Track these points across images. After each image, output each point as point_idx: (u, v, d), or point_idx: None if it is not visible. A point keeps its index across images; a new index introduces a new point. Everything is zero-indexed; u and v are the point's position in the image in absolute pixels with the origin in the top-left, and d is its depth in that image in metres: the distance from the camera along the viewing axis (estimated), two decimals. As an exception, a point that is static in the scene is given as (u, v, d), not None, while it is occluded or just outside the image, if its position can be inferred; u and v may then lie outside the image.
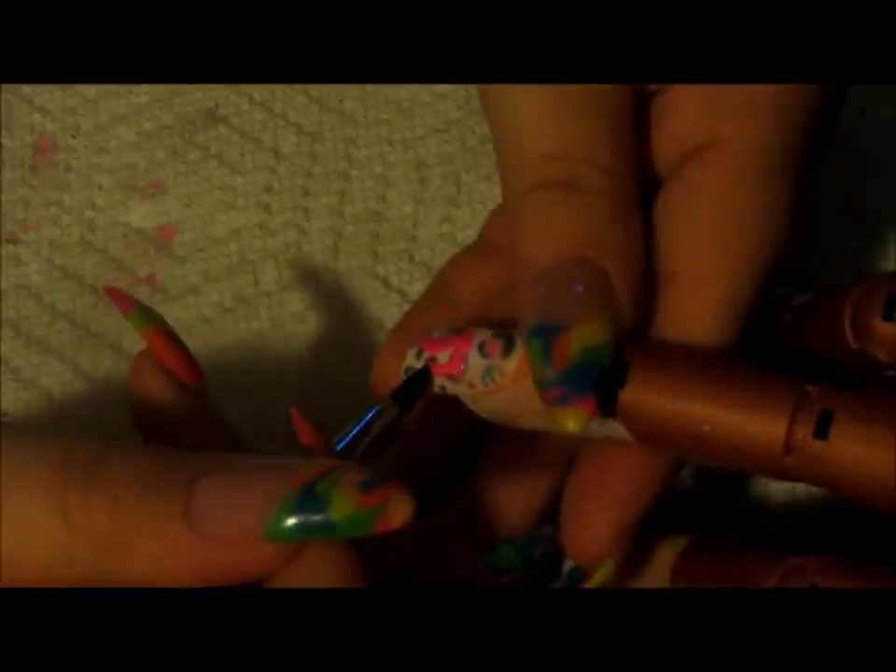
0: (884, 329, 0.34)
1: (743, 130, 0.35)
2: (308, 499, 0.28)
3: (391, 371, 0.37)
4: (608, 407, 0.33)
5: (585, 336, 0.32)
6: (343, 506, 0.28)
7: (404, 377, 0.36)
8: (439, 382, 0.35)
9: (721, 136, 0.35)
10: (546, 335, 0.32)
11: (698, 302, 0.35)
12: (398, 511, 0.28)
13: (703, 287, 0.35)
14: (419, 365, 0.35)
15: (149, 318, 0.35)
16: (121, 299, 0.35)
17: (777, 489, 0.42)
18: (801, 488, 0.41)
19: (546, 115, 0.34)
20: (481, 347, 0.35)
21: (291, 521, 0.28)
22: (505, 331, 0.35)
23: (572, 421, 0.32)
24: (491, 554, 0.37)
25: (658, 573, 0.37)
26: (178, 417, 0.33)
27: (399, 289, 0.46)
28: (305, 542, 0.29)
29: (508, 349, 0.34)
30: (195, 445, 0.31)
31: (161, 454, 0.30)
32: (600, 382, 0.32)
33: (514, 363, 0.34)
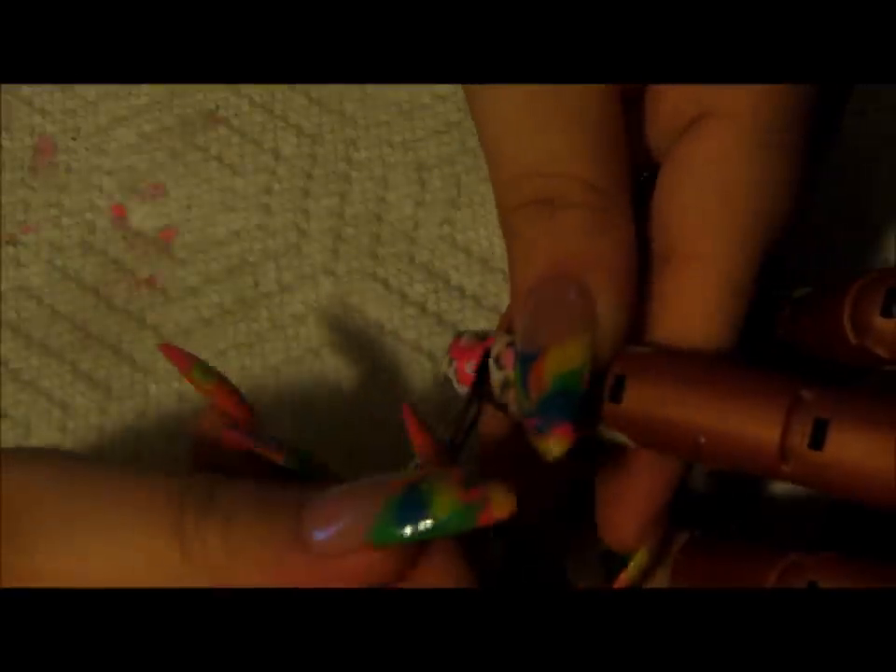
0: (883, 324, 0.34)
1: (735, 101, 0.35)
2: (411, 499, 0.29)
3: None
4: (593, 424, 0.33)
5: (557, 363, 0.32)
6: (445, 502, 0.29)
7: (444, 384, 0.36)
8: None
9: (713, 109, 0.35)
10: (524, 363, 0.33)
11: (699, 279, 0.34)
12: (500, 503, 0.29)
13: (703, 262, 0.34)
14: (450, 373, 0.35)
15: (210, 374, 0.35)
16: (179, 357, 0.35)
17: (778, 486, 0.42)
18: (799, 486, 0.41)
19: (526, 128, 0.34)
20: (497, 359, 0.34)
21: (394, 522, 0.29)
22: None
23: (552, 448, 0.32)
24: None
25: (658, 569, 0.37)
26: (240, 462, 0.34)
27: (399, 291, 0.45)
28: (417, 550, 0.30)
29: None
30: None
31: (269, 484, 0.31)
32: (575, 407, 0.32)
33: None
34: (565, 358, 0.32)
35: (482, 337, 0.35)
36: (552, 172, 0.34)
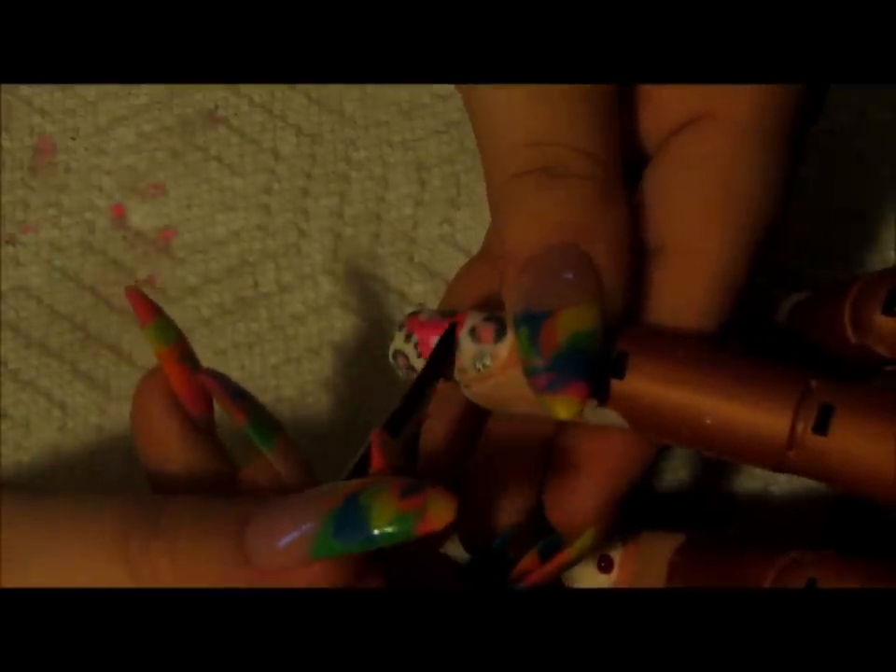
0: (884, 322, 0.34)
1: (732, 102, 0.35)
2: (350, 510, 0.28)
3: None
4: (602, 396, 0.33)
5: (573, 322, 0.32)
6: (384, 513, 0.28)
7: (392, 361, 0.36)
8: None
9: (711, 109, 0.35)
10: (533, 322, 0.32)
11: (691, 274, 0.35)
12: (438, 511, 0.28)
13: (696, 257, 0.35)
14: (408, 349, 0.35)
15: (166, 336, 0.33)
16: (142, 306, 0.33)
17: (776, 486, 0.42)
18: (799, 485, 0.41)
19: (527, 100, 0.34)
20: (472, 332, 0.34)
21: (333, 534, 0.28)
22: (496, 314, 0.34)
23: (562, 408, 0.32)
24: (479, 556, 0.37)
25: (655, 569, 0.36)
26: (181, 449, 0.33)
27: (399, 291, 0.46)
28: (361, 565, 0.30)
29: (500, 334, 0.34)
30: (194, 478, 0.32)
31: (213, 499, 0.31)
32: (590, 367, 0.32)
33: (506, 348, 0.34)
34: (579, 318, 0.32)
35: (446, 314, 0.35)
36: (556, 141, 0.34)
